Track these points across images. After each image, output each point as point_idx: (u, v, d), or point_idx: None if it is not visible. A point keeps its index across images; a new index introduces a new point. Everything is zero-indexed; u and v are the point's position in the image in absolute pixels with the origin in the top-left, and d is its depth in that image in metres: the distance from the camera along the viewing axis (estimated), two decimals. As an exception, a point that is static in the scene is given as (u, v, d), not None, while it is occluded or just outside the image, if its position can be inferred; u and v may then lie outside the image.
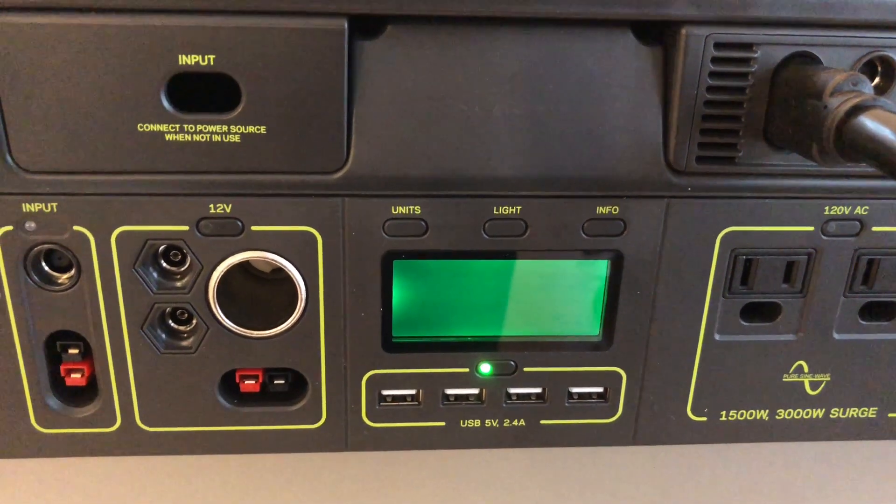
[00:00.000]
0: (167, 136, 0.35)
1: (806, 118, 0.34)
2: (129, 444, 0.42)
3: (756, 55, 0.36)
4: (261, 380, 0.41)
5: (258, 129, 0.35)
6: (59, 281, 0.38)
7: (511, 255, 0.39)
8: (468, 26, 0.36)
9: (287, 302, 0.40)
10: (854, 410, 0.45)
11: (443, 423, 0.43)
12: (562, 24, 0.36)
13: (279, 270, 0.39)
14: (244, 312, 0.40)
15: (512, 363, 0.42)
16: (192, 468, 0.42)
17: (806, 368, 0.43)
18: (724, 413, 0.44)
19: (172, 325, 0.40)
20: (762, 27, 0.36)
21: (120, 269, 0.38)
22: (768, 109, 0.37)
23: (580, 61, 0.36)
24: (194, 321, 0.40)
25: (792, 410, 0.45)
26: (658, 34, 0.37)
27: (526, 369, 0.42)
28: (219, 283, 0.38)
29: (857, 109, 0.31)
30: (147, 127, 0.35)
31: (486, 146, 0.37)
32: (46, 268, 0.38)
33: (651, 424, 0.44)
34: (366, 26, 0.35)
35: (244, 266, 0.40)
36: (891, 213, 0.40)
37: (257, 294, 0.41)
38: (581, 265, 0.40)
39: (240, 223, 0.37)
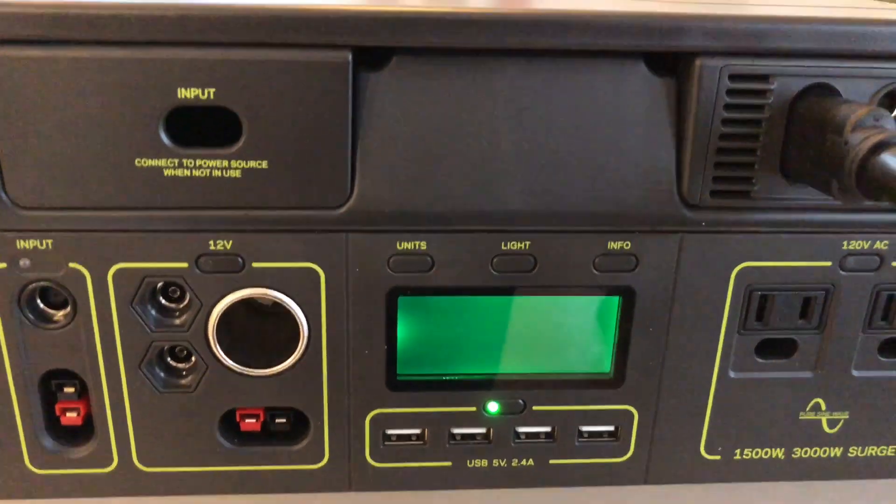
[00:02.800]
0: (166, 172, 0.34)
1: (825, 153, 0.33)
2: (127, 484, 0.41)
3: (772, 87, 0.35)
4: (262, 419, 0.40)
5: (259, 164, 0.34)
6: (55, 319, 0.37)
7: (520, 291, 0.38)
8: (476, 58, 0.35)
9: (289, 338, 0.39)
10: (873, 449, 0.44)
11: (449, 464, 0.42)
12: (572, 55, 0.35)
13: (280, 304, 0.38)
14: (245, 350, 0.39)
15: (520, 401, 0.41)
16: (191, 510, 0.41)
17: (823, 406, 0.42)
18: (738, 452, 0.43)
19: (171, 362, 0.39)
20: (779, 58, 0.35)
21: (117, 307, 0.37)
22: (785, 142, 0.36)
23: (591, 93, 0.35)
24: (193, 359, 0.39)
25: (809, 449, 0.43)
26: (671, 65, 0.36)
27: (535, 408, 0.41)
28: (219, 320, 0.37)
29: (881, 146, 0.30)
30: (145, 162, 0.34)
31: (494, 180, 0.36)
32: (41, 305, 0.37)
33: (664, 463, 0.43)
34: (371, 58, 0.35)
35: (245, 300, 0.39)
36: (911, 248, 0.39)
37: (258, 330, 0.40)
38: (592, 301, 0.39)
39: (241, 259, 0.36)
